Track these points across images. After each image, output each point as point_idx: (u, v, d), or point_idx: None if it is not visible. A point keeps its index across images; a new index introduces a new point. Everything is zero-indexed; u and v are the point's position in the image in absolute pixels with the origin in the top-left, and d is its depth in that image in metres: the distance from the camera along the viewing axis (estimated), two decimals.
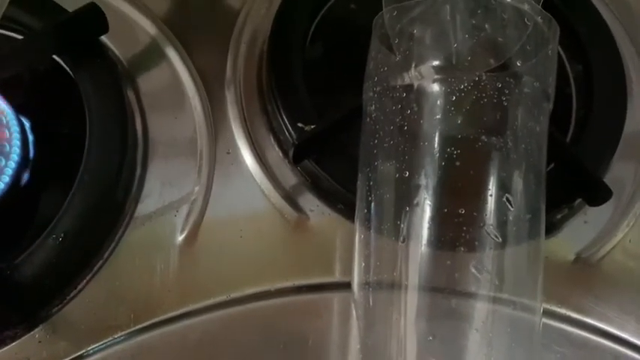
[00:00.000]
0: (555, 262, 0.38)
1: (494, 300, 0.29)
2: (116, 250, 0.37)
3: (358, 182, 0.33)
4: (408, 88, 0.31)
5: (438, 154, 0.29)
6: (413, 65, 0.31)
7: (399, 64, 0.32)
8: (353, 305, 0.31)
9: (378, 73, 0.32)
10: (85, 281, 0.36)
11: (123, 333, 0.34)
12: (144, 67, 0.42)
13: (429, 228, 0.28)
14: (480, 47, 0.31)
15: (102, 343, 0.34)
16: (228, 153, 0.40)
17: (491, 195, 0.29)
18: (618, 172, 0.42)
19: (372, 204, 0.31)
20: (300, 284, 0.36)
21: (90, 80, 0.39)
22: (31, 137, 0.39)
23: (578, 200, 0.39)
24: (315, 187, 0.39)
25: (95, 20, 0.39)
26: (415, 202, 0.29)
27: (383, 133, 0.31)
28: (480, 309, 0.29)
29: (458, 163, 0.29)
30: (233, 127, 0.40)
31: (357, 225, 0.32)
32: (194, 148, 0.39)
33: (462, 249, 0.28)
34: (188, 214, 0.37)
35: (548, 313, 0.37)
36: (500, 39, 0.31)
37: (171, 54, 0.42)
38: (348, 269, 0.35)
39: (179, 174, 0.39)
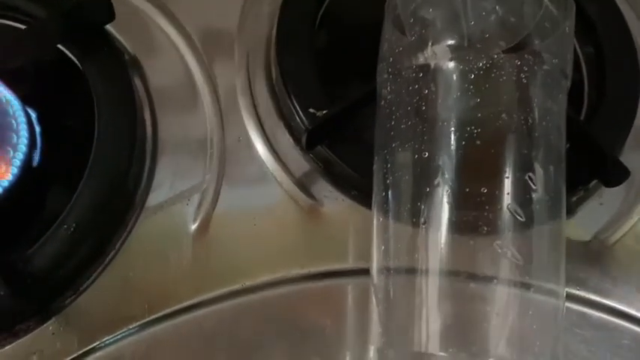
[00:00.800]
0: (572, 245, 0.38)
1: (518, 284, 0.28)
2: (128, 240, 0.36)
3: (374, 166, 0.32)
4: (424, 68, 0.30)
5: (457, 134, 0.28)
6: (429, 45, 0.30)
7: (414, 44, 0.31)
8: (372, 290, 0.31)
9: (393, 54, 0.32)
10: (97, 272, 0.35)
11: (137, 323, 0.34)
12: (151, 55, 0.41)
13: (451, 208, 0.28)
14: (495, 26, 0.30)
15: (116, 334, 0.34)
16: (239, 140, 0.39)
17: (512, 174, 0.28)
18: (631, 157, 0.41)
19: (390, 187, 0.31)
20: (315, 271, 0.36)
21: (97, 70, 0.38)
22: (38, 128, 0.39)
23: (594, 182, 0.39)
24: (328, 173, 0.39)
25: (100, 8, 0.39)
26: (436, 182, 0.28)
27: (399, 115, 0.31)
28: (503, 292, 0.28)
29: (478, 142, 0.28)
30: (243, 114, 0.40)
31: (375, 209, 0.32)
32: (204, 136, 0.39)
33: (485, 229, 0.27)
34: (200, 203, 0.37)
35: (567, 296, 0.36)
36: (515, 18, 0.30)
37: (179, 42, 0.42)
38: (362, 255, 0.35)
39: (190, 163, 0.38)
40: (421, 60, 0.30)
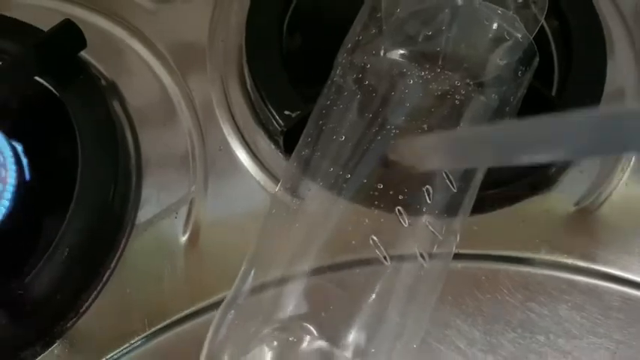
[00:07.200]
0: (556, 215, 0.39)
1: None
2: (122, 258, 0.37)
3: (302, 136, 0.33)
4: (374, 64, 0.31)
5: (381, 133, 0.29)
6: (390, 44, 0.31)
7: (374, 39, 0.32)
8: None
9: (353, 41, 0.33)
10: (95, 292, 0.36)
11: (139, 337, 0.35)
12: (127, 77, 0.42)
13: (344, 193, 0.29)
14: (460, 57, 0.31)
15: (120, 349, 0.35)
16: (220, 150, 0.40)
17: (411, 182, 0.29)
18: None
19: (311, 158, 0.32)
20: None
21: (74, 97, 0.39)
22: (24, 160, 0.39)
23: None
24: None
25: (72, 36, 0.40)
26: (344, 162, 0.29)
27: (337, 96, 0.32)
28: (379, 275, 0.29)
29: (392, 142, 0.29)
30: (222, 124, 0.41)
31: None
32: (186, 150, 0.40)
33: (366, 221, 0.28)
34: (188, 215, 0.38)
35: (554, 265, 0.37)
36: (484, 57, 0.31)
37: (153, 62, 0.43)
38: None
39: (174, 177, 0.39)
40: (374, 56, 0.31)
